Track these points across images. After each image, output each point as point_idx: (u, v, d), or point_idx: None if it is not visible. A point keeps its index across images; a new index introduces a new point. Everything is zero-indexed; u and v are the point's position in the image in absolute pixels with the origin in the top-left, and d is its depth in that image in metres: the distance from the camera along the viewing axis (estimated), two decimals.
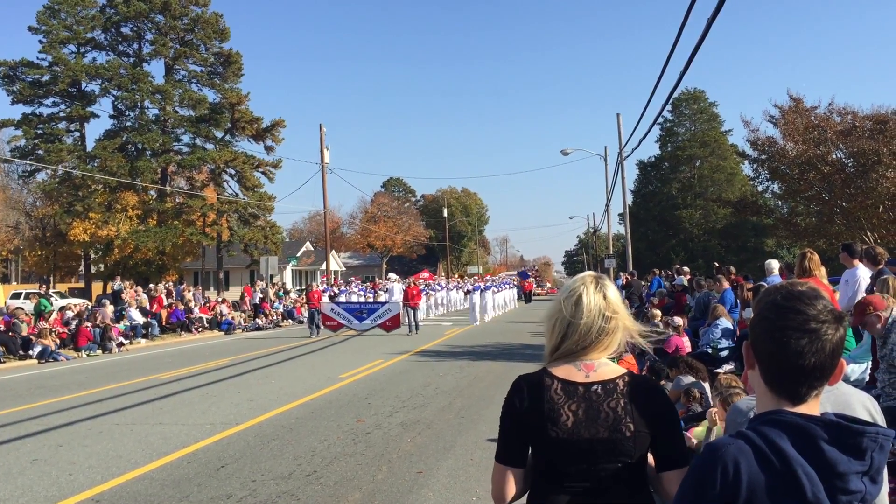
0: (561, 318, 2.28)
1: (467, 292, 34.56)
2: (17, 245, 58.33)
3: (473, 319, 30.35)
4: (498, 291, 36.98)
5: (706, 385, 7.06)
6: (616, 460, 2.15)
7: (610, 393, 2.17)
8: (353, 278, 51.83)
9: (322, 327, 26.29)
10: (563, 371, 2.23)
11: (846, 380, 4.81)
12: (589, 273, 2.38)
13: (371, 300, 32.10)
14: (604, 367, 2.24)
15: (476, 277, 48.04)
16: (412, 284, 27.65)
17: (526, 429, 2.21)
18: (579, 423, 2.15)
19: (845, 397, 2.31)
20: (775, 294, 1.69)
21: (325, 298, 30.41)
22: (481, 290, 32.12)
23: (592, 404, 2.16)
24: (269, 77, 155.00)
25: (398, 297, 29.63)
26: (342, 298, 32.46)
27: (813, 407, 1.66)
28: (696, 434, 5.24)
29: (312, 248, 72.90)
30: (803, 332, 1.60)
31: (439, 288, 39.58)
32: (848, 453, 1.54)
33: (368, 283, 38.30)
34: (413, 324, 25.49)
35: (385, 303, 28.35)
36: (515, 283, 52.49)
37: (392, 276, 37.39)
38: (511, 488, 2.27)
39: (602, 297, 2.27)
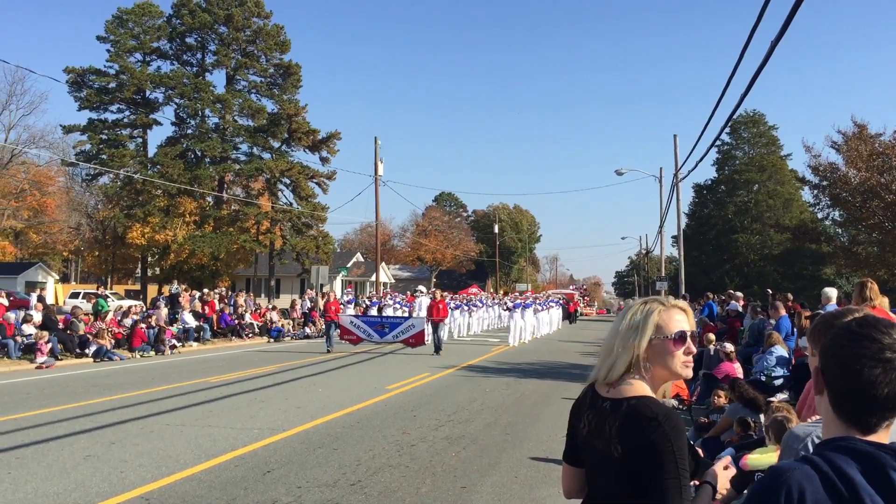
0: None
1: (508, 309, 32.92)
2: (78, 246, 60.13)
3: (511, 339, 28.02)
4: (542, 310, 35.38)
5: (760, 414, 6.90)
6: (615, 478, 2.16)
7: (614, 411, 2.18)
8: (388, 290, 51.80)
9: (340, 341, 24.45)
10: (600, 383, 2.29)
11: None
12: (646, 298, 2.38)
13: (407, 314, 30.22)
14: (626, 385, 2.21)
15: (516, 294, 47.24)
16: (438, 298, 25.37)
17: (573, 429, 2.38)
18: (592, 433, 2.23)
19: None
20: (848, 319, 1.64)
21: (351, 310, 29.98)
22: (522, 308, 30.16)
23: (601, 418, 2.21)
24: (327, 89, 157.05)
25: (424, 311, 27.12)
26: (374, 311, 31.11)
27: (882, 438, 1.60)
28: (750, 461, 5.13)
29: (363, 260, 73.62)
30: (878, 361, 1.55)
31: (480, 304, 38.72)
32: None
33: (405, 296, 37.48)
34: (436, 343, 23.11)
35: (409, 318, 26.63)
36: (562, 301, 51.48)
37: (421, 288, 35.91)
38: (568, 484, 2.42)
39: (626, 319, 2.29)
